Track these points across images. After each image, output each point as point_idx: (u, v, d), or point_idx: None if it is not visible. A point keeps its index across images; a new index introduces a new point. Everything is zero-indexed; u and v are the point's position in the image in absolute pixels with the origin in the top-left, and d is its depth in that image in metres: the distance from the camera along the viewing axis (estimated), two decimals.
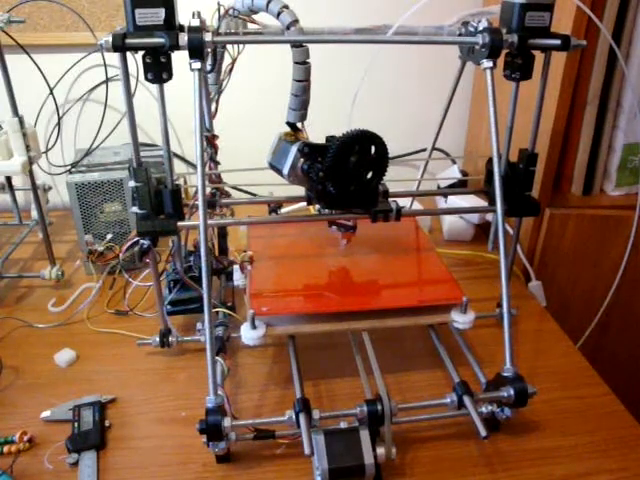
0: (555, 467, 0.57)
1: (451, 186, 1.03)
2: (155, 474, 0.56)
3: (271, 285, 0.70)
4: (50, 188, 1.00)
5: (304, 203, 0.67)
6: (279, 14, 0.56)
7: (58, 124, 1.03)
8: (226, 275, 0.80)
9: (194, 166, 0.59)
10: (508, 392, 0.57)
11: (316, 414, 0.55)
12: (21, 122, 0.78)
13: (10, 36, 0.80)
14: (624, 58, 0.84)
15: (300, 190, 0.65)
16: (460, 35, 0.64)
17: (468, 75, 1.11)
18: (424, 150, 1.13)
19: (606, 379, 0.69)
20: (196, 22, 0.55)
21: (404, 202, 0.80)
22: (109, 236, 0.88)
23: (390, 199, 0.65)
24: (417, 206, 0.96)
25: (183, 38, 0.53)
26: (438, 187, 1.05)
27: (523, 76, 0.63)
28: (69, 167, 0.94)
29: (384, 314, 0.65)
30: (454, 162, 1.11)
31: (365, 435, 0.53)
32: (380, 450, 0.53)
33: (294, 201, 0.79)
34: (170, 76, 0.56)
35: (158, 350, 0.72)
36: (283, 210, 0.88)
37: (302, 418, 0.54)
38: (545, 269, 0.94)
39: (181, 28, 0.56)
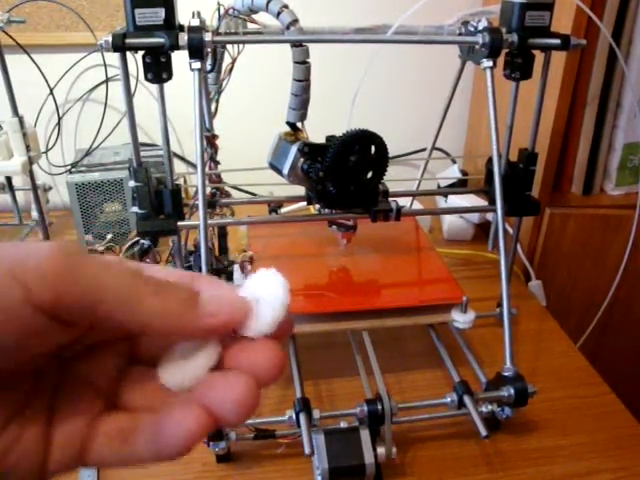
0: (555, 467, 0.57)
1: (451, 186, 1.03)
2: (155, 474, 0.56)
3: None
4: (50, 188, 1.00)
5: (304, 203, 0.67)
6: (279, 14, 0.56)
7: (58, 124, 1.03)
8: (226, 275, 0.80)
9: (194, 166, 0.59)
10: (508, 391, 0.57)
11: (316, 414, 0.55)
12: (21, 122, 0.78)
13: (10, 36, 0.80)
14: (624, 58, 0.84)
15: (300, 190, 0.65)
16: (460, 35, 0.64)
17: (468, 75, 1.11)
18: (424, 150, 1.13)
19: (606, 379, 0.69)
20: (196, 22, 0.55)
21: (404, 202, 0.80)
22: (109, 236, 0.88)
23: (390, 199, 0.65)
24: (417, 206, 0.96)
25: (183, 38, 0.53)
26: (438, 187, 1.05)
27: (523, 76, 0.63)
28: (69, 167, 0.94)
29: (384, 314, 0.65)
30: (454, 162, 1.11)
31: (365, 435, 0.53)
32: (380, 450, 0.53)
33: (294, 201, 0.79)
34: (170, 76, 0.56)
35: None
36: (283, 210, 0.88)
37: (302, 418, 0.54)
38: (545, 269, 0.94)
39: (181, 28, 0.56)
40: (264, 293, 0.23)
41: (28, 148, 0.80)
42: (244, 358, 0.22)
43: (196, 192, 0.59)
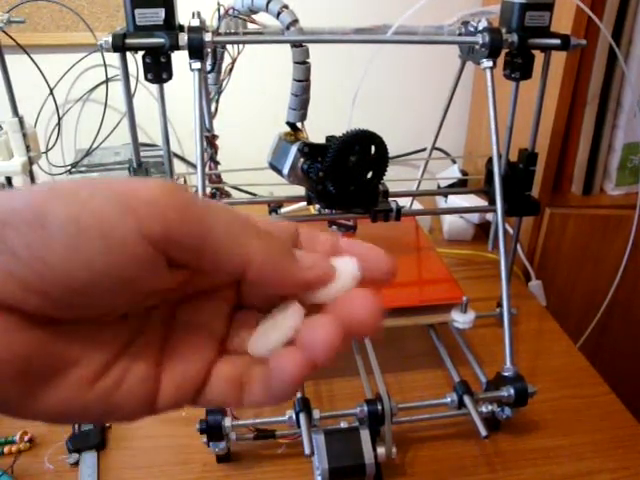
0: (555, 467, 0.57)
1: (451, 186, 1.03)
2: (155, 474, 0.56)
3: None
4: None
5: (304, 203, 0.67)
6: (279, 14, 0.56)
7: (58, 124, 1.03)
8: None
9: (194, 166, 0.59)
10: (508, 392, 0.57)
11: (316, 414, 0.55)
12: (21, 122, 0.78)
13: (10, 36, 0.80)
14: (624, 57, 0.84)
15: (300, 190, 0.65)
16: (460, 35, 0.64)
17: (468, 75, 1.11)
18: (424, 150, 1.13)
19: (606, 379, 0.69)
20: (196, 22, 0.55)
21: (404, 202, 0.80)
22: None
23: (390, 199, 0.65)
24: (417, 206, 0.96)
25: (183, 38, 0.53)
26: (438, 187, 1.05)
27: (523, 76, 0.63)
28: (69, 167, 0.94)
29: (384, 314, 0.64)
30: (454, 162, 1.11)
31: (365, 435, 0.53)
32: (380, 450, 0.53)
33: (294, 201, 0.79)
34: (170, 76, 0.56)
35: None
36: (283, 210, 0.88)
37: (302, 418, 0.54)
38: (545, 269, 0.94)
39: (181, 28, 0.56)
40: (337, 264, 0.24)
41: (28, 148, 0.80)
42: (339, 306, 0.23)
43: (196, 192, 0.59)
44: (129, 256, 0.19)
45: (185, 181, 0.92)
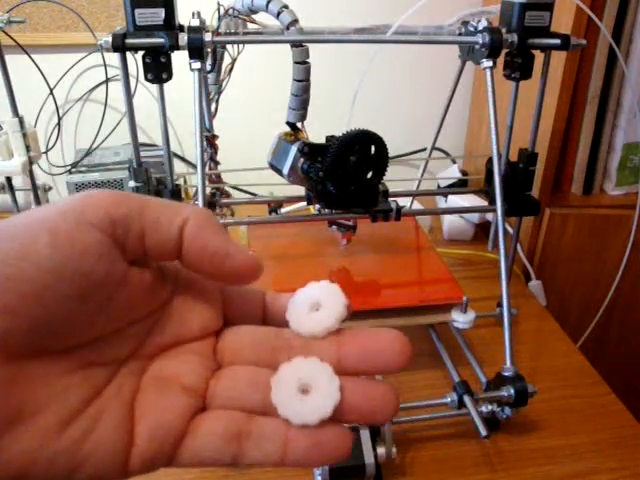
0: (555, 466, 0.57)
1: (451, 186, 1.03)
2: (155, 474, 0.56)
3: (271, 285, 0.70)
4: (50, 188, 1.00)
5: (304, 203, 0.67)
6: (279, 14, 0.56)
7: (58, 124, 1.03)
8: None
9: (194, 166, 0.59)
10: (508, 391, 0.57)
11: None
12: (21, 122, 0.78)
13: (10, 36, 0.80)
14: (624, 57, 0.84)
15: (300, 190, 0.65)
16: (460, 35, 0.64)
17: (468, 75, 1.11)
18: (424, 150, 1.13)
19: (606, 379, 0.69)
20: (196, 22, 0.55)
21: (404, 202, 0.80)
22: None
23: (390, 199, 0.65)
24: (417, 206, 0.96)
25: (183, 38, 0.53)
26: (438, 187, 1.05)
27: (523, 76, 0.63)
28: (69, 167, 0.94)
29: (384, 314, 0.65)
30: (454, 162, 1.11)
31: (365, 435, 0.53)
32: (380, 450, 0.53)
33: (294, 201, 0.79)
34: (170, 76, 0.56)
35: None
36: (283, 210, 0.88)
37: None
38: (545, 269, 0.94)
39: (181, 28, 0.56)
40: (324, 295, 0.25)
41: (28, 148, 0.80)
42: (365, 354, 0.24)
43: (196, 192, 0.59)
44: (76, 245, 0.20)
45: (185, 181, 0.92)
